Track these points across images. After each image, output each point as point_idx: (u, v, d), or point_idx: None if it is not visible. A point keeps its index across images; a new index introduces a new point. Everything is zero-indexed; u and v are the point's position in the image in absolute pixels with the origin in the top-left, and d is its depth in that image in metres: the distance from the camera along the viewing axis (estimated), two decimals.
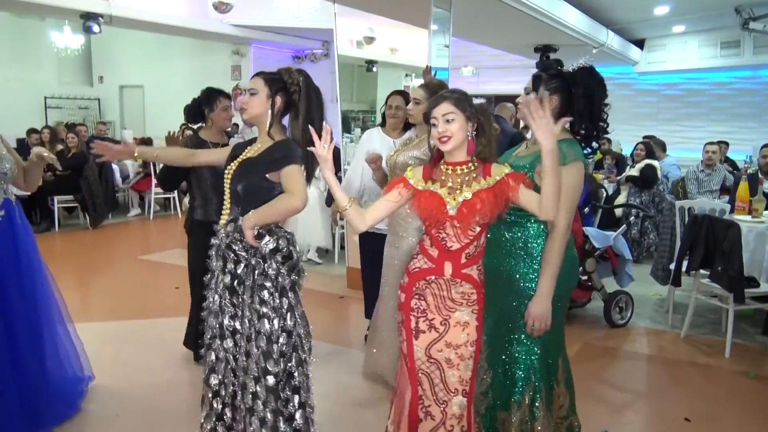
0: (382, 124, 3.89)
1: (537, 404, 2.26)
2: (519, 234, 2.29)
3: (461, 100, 2.11)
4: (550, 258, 2.19)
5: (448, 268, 2.14)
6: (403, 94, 3.80)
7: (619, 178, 7.48)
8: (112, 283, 5.97)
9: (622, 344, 4.42)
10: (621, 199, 7.15)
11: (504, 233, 2.31)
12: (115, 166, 9.10)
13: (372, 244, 3.60)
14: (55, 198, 8.05)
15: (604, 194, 7.12)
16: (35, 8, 8.32)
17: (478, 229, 2.11)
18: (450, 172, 2.14)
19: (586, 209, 5.82)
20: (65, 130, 9.44)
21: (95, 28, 8.09)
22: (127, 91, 13.43)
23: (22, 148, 8.68)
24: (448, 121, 2.07)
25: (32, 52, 11.81)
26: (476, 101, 2.17)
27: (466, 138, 2.10)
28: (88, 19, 8.00)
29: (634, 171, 7.22)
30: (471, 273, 2.16)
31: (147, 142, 9.99)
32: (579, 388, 2.52)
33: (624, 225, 5.47)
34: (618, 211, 6.89)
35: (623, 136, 10.13)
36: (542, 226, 2.27)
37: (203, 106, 3.64)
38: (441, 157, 2.18)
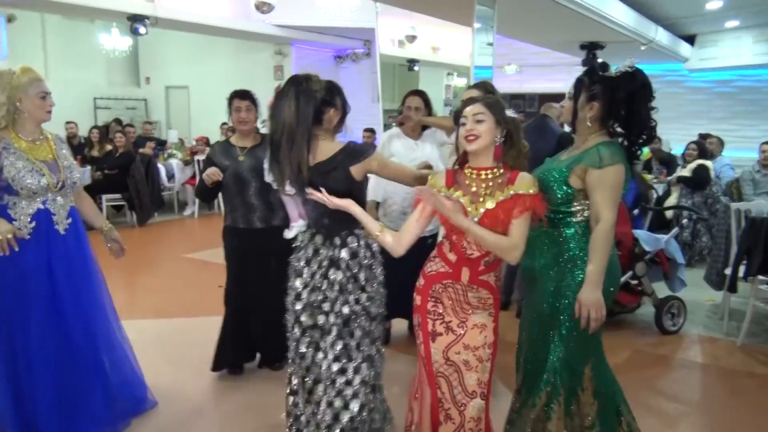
0: (401, 125, 3.82)
1: (552, 406, 2.23)
2: (556, 234, 2.26)
3: (493, 104, 2.11)
4: (596, 247, 2.13)
5: (465, 274, 2.13)
6: (421, 95, 3.74)
7: (669, 178, 7.24)
8: (156, 281, 6.06)
9: (675, 352, 4.25)
10: (672, 200, 6.92)
11: (541, 234, 2.27)
12: (160, 166, 9.26)
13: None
14: (104, 196, 8.24)
15: (655, 196, 6.90)
16: (84, 11, 8.52)
17: None
18: (474, 176, 2.12)
19: (636, 211, 5.64)
20: (116, 125, 9.67)
21: (141, 29, 8.25)
22: (173, 91, 13.67)
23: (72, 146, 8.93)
24: (477, 121, 2.07)
25: (82, 54, 12.11)
26: (509, 113, 2.16)
27: (493, 142, 2.09)
28: (134, 20, 8.16)
29: (685, 171, 6.97)
30: (488, 279, 2.15)
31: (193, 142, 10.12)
32: (630, 397, 2.43)
33: (676, 228, 5.26)
34: (669, 213, 6.66)
35: (673, 136, 9.81)
36: (581, 229, 2.23)
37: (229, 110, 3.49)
38: (466, 160, 2.16)
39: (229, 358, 3.56)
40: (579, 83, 2.30)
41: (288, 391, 2.54)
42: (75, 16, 10.78)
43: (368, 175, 2.46)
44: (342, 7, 9.10)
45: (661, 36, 9.92)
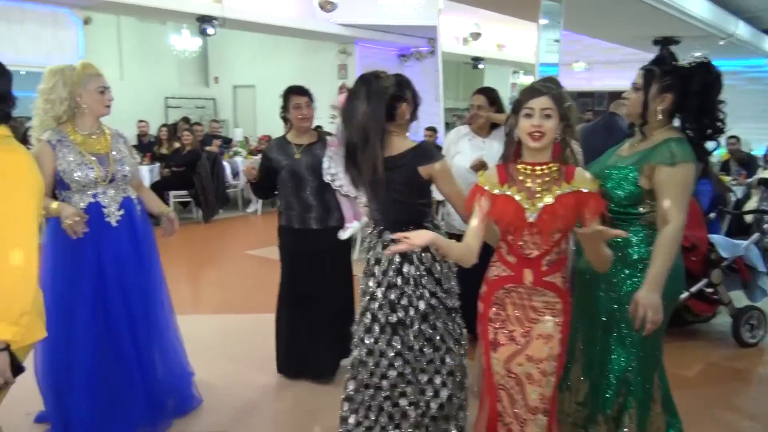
0: (470, 124, 3.72)
1: (626, 419, 2.12)
2: (618, 237, 2.08)
3: (560, 98, 1.95)
4: (663, 248, 2.00)
5: (528, 275, 2.00)
6: (485, 92, 3.61)
7: (749, 180, 6.83)
8: (219, 277, 6.17)
9: (754, 366, 3.98)
10: (752, 204, 6.52)
11: None
12: (226, 163, 9.45)
13: None
14: (171, 193, 8.48)
15: (733, 199, 6.52)
16: (156, 12, 8.78)
17: (558, 234, 1.95)
18: (529, 172, 1.98)
19: (712, 215, 5.33)
20: (184, 124, 9.95)
21: (210, 30, 8.44)
22: (240, 90, 13.96)
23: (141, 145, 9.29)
24: (546, 115, 1.92)
25: (155, 55, 12.53)
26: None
27: (554, 139, 1.95)
28: (203, 21, 8.36)
29: (767, 173, 6.56)
30: (554, 281, 2.00)
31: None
32: (701, 414, 2.30)
33: (756, 233, 4.93)
34: (749, 218, 6.27)
35: (753, 136, 9.29)
36: (646, 231, 2.11)
37: (284, 107, 3.44)
38: (517, 155, 2.03)
39: (284, 365, 3.52)
40: (650, 74, 2.16)
41: (344, 395, 2.49)
42: (147, 17, 11.15)
43: None
44: (405, 5, 9.06)
45: (742, 30, 9.41)
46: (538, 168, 1.97)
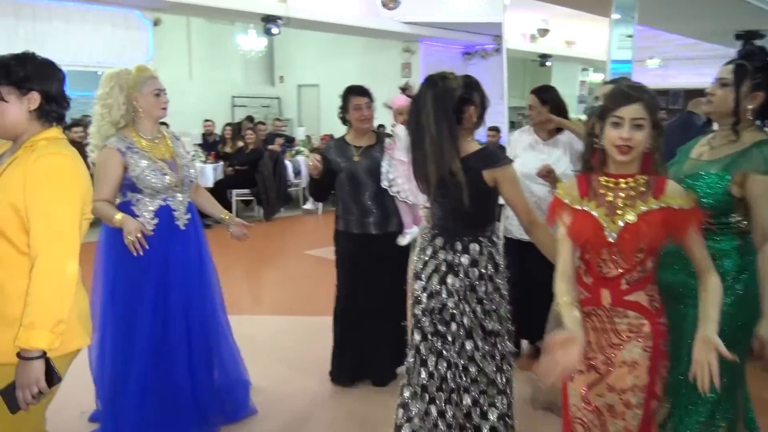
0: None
1: None
2: (708, 247, 1.90)
3: (653, 105, 1.73)
4: None
5: (606, 295, 1.80)
6: (538, 92, 3.40)
7: None
8: (278, 276, 6.19)
9: None
10: None
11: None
12: (288, 162, 9.52)
13: (518, 251, 3.17)
14: (233, 191, 8.60)
15: None
16: (221, 13, 8.94)
17: (642, 254, 1.74)
18: (612, 185, 1.78)
19: None
20: (247, 123, 10.10)
21: (274, 30, 8.51)
22: (305, 90, 14.09)
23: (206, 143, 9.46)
24: (636, 126, 1.70)
25: (222, 55, 12.81)
26: None
27: (643, 150, 1.75)
28: (267, 21, 8.43)
29: None
30: (637, 299, 1.79)
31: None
32: None
33: None
34: None
35: None
36: (737, 242, 1.93)
37: (343, 107, 3.33)
38: (602, 164, 1.82)
39: (338, 372, 3.45)
40: (741, 69, 1.95)
41: (399, 402, 2.40)
42: (212, 17, 11.39)
43: None
44: (470, 1, 8.88)
45: None
46: (623, 181, 1.77)
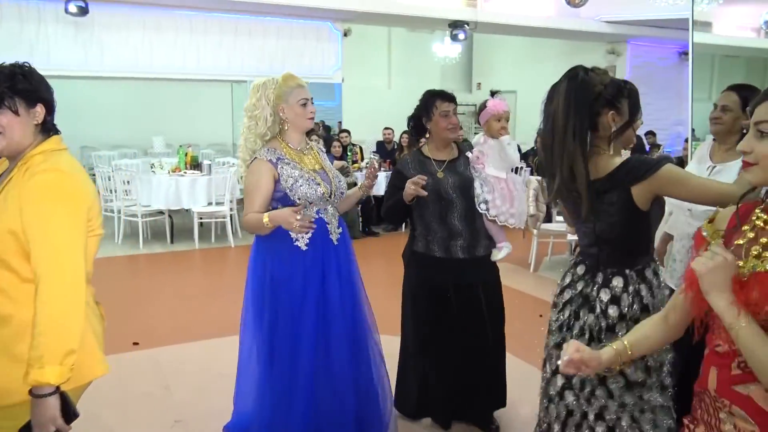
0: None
1: None
2: None
3: None
4: None
5: (712, 377, 1.26)
6: (740, 90, 2.54)
7: None
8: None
9: None
10: None
11: None
12: None
13: None
14: None
15: None
16: (407, 20, 9.04)
17: None
18: (762, 223, 1.22)
19: None
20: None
21: (460, 35, 8.33)
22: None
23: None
24: None
25: (420, 63, 12.95)
26: None
27: None
28: (455, 27, 8.29)
29: None
30: (749, 393, 1.20)
31: None
32: None
33: None
34: None
35: None
36: None
37: (422, 115, 2.88)
38: None
39: (431, 409, 3.06)
40: None
41: None
42: (397, 25, 11.50)
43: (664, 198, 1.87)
44: None
45: None
46: None
